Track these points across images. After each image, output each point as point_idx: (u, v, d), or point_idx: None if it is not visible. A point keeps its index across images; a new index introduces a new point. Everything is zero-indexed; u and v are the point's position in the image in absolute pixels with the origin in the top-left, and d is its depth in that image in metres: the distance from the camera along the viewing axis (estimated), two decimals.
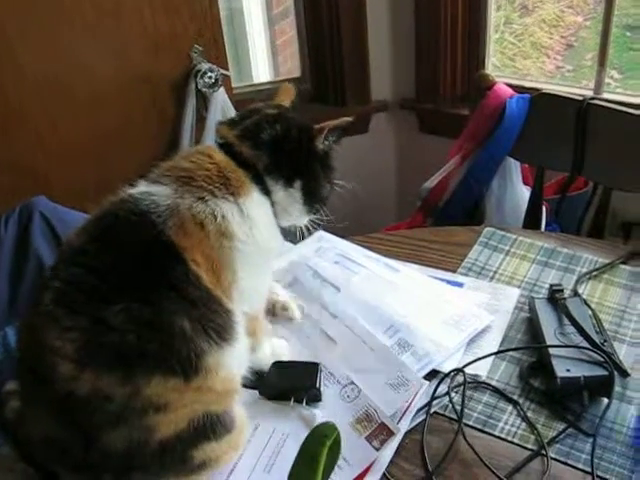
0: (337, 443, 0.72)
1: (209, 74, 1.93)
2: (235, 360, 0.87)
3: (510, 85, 1.90)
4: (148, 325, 0.77)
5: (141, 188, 0.87)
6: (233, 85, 2.19)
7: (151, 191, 0.85)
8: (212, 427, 0.83)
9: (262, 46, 2.66)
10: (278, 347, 1.06)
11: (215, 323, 0.82)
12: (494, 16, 2.32)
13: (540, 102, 1.63)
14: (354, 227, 1.53)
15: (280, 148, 0.93)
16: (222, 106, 2.00)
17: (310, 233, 1.03)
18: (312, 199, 0.97)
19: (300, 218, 1.00)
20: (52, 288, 0.80)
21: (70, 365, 0.75)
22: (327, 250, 1.29)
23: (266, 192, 0.92)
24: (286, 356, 1.05)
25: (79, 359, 0.75)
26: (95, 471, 0.78)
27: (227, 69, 2.02)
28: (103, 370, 0.75)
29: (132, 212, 0.83)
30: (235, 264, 0.87)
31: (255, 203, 0.90)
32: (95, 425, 0.76)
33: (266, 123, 0.93)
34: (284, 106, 1.01)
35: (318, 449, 0.69)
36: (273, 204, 0.94)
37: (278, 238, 0.97)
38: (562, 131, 1.57)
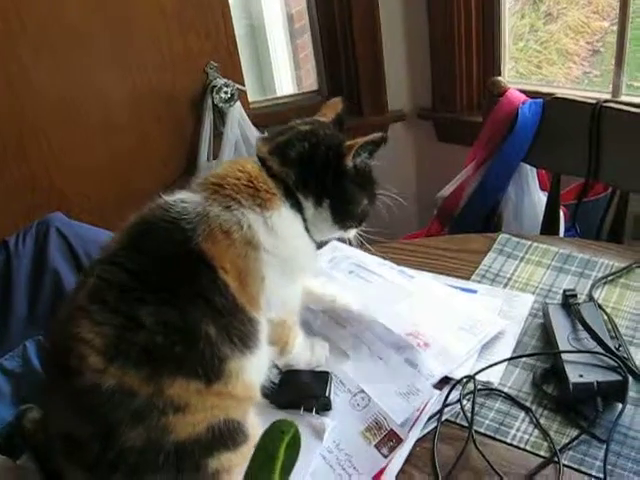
0: (296, 440, 0.69)
1: (225, 89, 1.95)
2: (256, 367, 0.88)
3: (532, 92, 1.88)
4: (175, 328, 0.79)
5: (176, 195, 0.89)
6: (255, 99, 2.20)
7: (184, 198, 0.88)
8: (231, 435, 0.83)
9: (284, 60, 2.67)
10: (320, 347, 1.06)
11: (239, 330, 0.84)
12: (512, 24, 2.30)
13: (553, 106, 1.61)
14: (374, 237, 1.52)
15: (307, 166, 0.92)
16: (239, 121, 2.02)
17: (361, 244, 1.02)
18: (342, 217, 0.96)
19: (331, 234, 1.00)
20: (87, 285, 0.82)
21: (98, 357, 0.77)
22: (341, 260, 1.30)
23: (298, 207, 0.93)
24: (326, 357, 1.05)
25: (108, 353, 0.77)
26: (108, 471, 0.78)
27: (243, 84, 2.04)
28: (130, 366, 0.77)
29: (164, 219, 0.85)
30: (262, 272, 0.88)
31: (283, 218, 0.90)
32: (116, 420, 0.77)
33: (296, 140, 0.94)
34: (321, 121, 1.00)
35: (276, 445, 0.67)
36: (305, 220, 0.94)
37: (310, 253, 0.97)
38: (576, 135, 1.54)
